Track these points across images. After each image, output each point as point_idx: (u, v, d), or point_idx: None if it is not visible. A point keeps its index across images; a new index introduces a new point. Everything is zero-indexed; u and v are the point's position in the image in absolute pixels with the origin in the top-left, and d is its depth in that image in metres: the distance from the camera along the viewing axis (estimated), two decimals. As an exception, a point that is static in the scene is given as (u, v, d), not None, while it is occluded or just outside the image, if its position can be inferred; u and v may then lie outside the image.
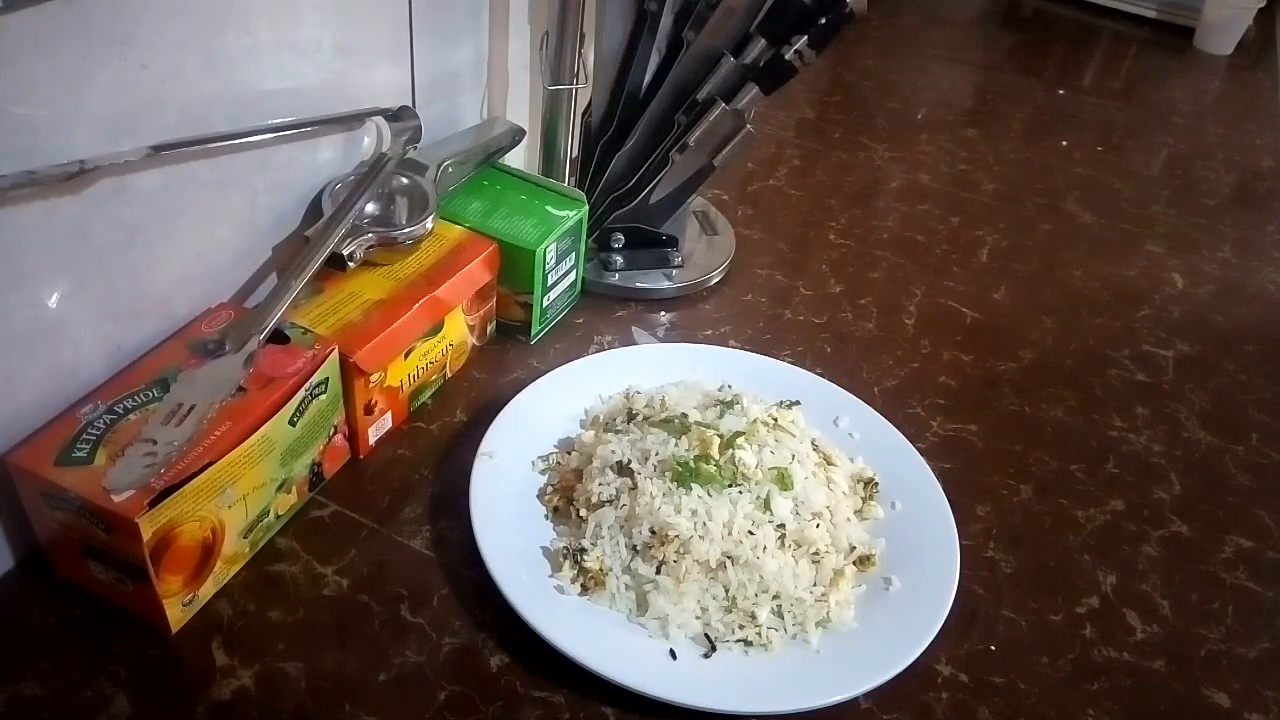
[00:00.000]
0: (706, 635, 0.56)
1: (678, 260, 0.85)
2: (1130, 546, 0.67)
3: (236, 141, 0.61)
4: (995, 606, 0.61)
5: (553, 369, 0.71)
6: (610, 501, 0.60)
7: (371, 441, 0.67)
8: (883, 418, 0.70)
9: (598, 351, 0.77)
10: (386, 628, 0.57)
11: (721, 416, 0.64)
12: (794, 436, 0.64)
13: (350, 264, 0.64)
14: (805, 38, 0.74)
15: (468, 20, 0.79)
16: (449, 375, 0.74)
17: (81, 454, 0.51)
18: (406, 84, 0.74)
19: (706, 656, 0.56)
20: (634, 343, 0.79)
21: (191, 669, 0.54)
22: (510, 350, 0.78)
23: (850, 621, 0.58)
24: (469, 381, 0.74)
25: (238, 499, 0.56)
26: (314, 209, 0.69)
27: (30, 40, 0.47)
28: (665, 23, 0.79)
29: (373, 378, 0.64)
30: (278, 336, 0.60)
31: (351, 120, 0.70)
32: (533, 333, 0.78)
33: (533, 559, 0.59)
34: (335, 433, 0.63)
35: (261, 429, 0.55)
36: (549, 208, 0.76)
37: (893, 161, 1.12)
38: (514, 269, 0.74)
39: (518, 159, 0.86)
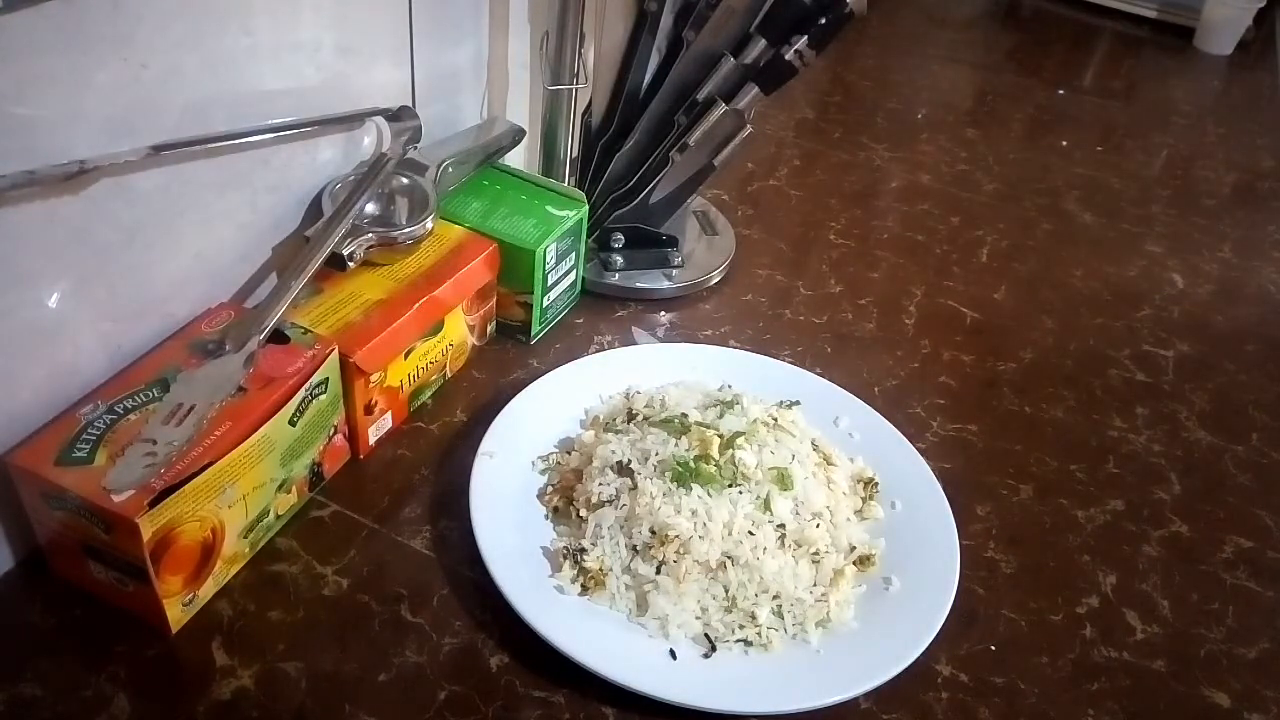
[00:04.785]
0: (706, 635, 0.56)
1: (678, 260, 0.85)
2: (1130, 546, 0.67)
3: (236, 141, 0.61)
4: (995, 606, 0.61)
5: (553, 369, 0.71)
6: (610, 501, 0.60)
7: (371, 441, 0.67)
8: (883, 418, 0.70)
9: (598, 351, 0.77)
10: (386, 628, 0.57)
11: (721, 416, 0.64)
12: (794, 436, 0.64)
13: (350, 264, 0.64)
14: (805, 38, 0.74)
15: (468, 20, 0.79)
16: (449, 375, 0.74)
17: (81, 454, 0.51)
18: (406, 84, 0.74)
19: (706, 656, 0.56)
20: (634, 343, 0.79)
21: (191, 669, 0.54)
22: (510, 350, 0.78)
23: (850, 621, 0.58)
24: (469, 381, 0.74)
25: (238, 499, 0.56)
26: (314, 209, 0.69)
27: (30, 40, 0.47)
28: (665, 23, 0.79)
29: (373, 378, 0.64)
30: (278, 336, 0.60)
31: (351, 120, 0.70)
32: (533, 333, 0.78)
33: (533, 559, 0.59)
34: (335, 433, 0.63)
35: (261, 429, 0.55)
36: (549, 208, 0.76)
37: (893, 161, 1.12)
38: (514, 269, 0.74)
39: (518, 159, 0.86)
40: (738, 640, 0.56)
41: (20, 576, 0.57)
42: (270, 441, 0.57)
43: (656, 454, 0.61)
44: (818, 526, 0.60)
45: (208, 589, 0.56)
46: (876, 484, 0.65)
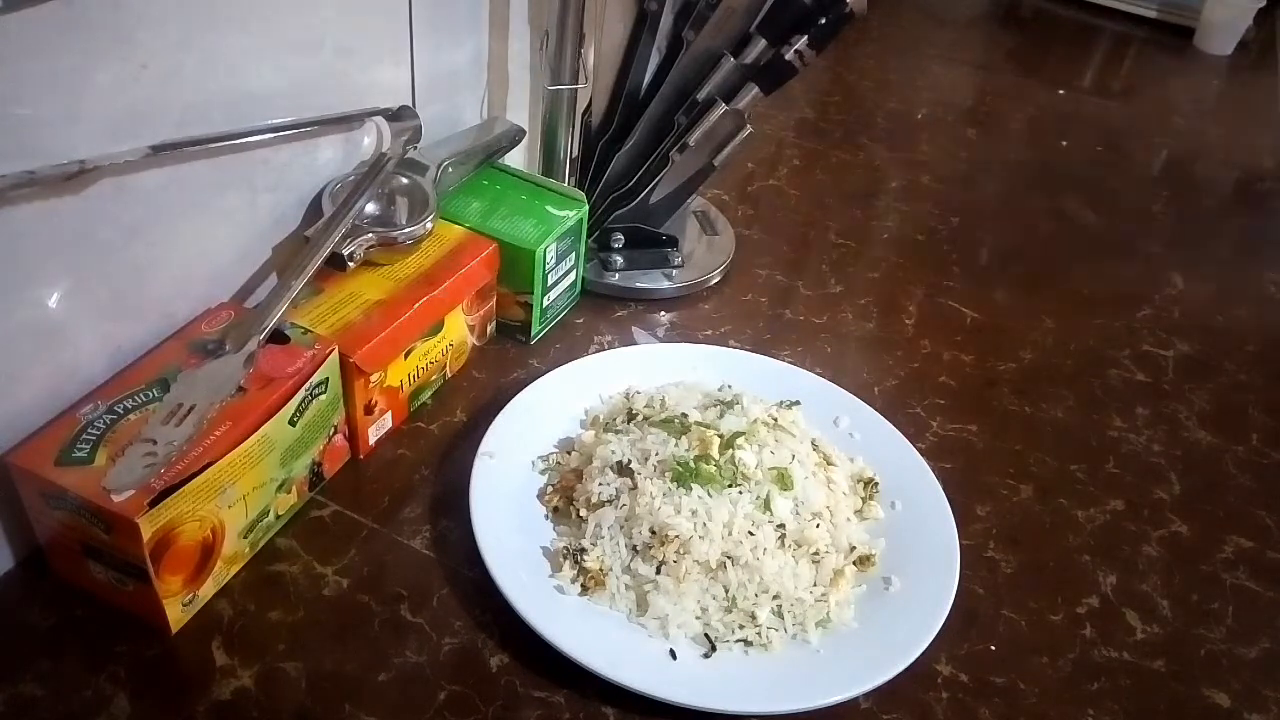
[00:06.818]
0: (706, 635, 0.56)
1: (678, 260, 0.85)
2: (1130, 546, 0.67)
3: (236, 141, 0.61)
4: (995, 606, 0.61)
5: (553, 369, 0.71)
6: (610, 501, 0.60)
7: (371, 441, 0.67)
8: (883, 418, 0.70)
9: (598, 351, 0.77)
10: (386, 628, 0.57)
11: (721, 416, 0.64)
12: (794, 436, 0.64)
13: (350, 264, 0.64)
14: (805, 38, 0.74)
15: (468, 20, 0.79)
16: (449, 375, 0.74)
17: (81, 454, 0.51)
18: (406, 84, 0.74)
19: (706, 656, 0.56)
20: (634, 343, 0.79)
21: (191, 669, 0.54)
22: (510, 350, 0.78)
23: (850, 621, 0.58)
24: (469, 381, 0.74)
25: (238, 499, 0.56)
26: (314, 209, 0.69)
27: (30, 40, 0.47)
28: (665, 23, 0.79)
29: (373, 378, 0.64)
30: (278, 336, 0.60)
31: (351, 120, 0.70)
32: (533, 333, 0.78)
33: (533, 559, 0.59)
34: (335, 433, 0.63)
35: (261, 429, 0.55)
36: (549, 208, 0.76)
37: (893, 161, 1.12)
38: (514, 269, 0.74)
39: (518, 159, 0.86)
40: (738, 640, 0.56)
41: (20, 576, 0.57)
42: (270, 441, 0.57)
43: (656, 454, 0.61)
44: (818, 526, 0.60)
45: (208, 589, 0.56)
46: (876, 484, 0.65)
